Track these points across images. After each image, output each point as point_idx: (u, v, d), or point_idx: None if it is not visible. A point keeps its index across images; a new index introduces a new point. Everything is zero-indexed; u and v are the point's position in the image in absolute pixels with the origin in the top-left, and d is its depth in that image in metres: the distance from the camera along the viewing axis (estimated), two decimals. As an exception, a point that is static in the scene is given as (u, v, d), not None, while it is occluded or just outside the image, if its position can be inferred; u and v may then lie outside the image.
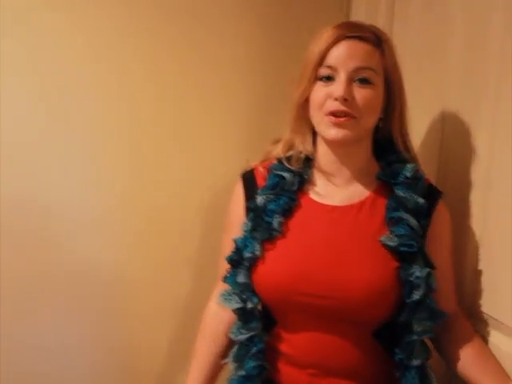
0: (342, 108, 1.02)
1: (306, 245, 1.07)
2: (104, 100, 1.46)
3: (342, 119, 1.03)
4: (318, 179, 1.14)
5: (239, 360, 1.10)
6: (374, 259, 1.03)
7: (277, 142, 1.19)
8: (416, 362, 1.03)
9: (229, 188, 1.23)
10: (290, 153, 1.15)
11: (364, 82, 1.03)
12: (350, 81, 1.03)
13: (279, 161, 1.15)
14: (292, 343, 1.10)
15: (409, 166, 1.09)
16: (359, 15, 1.60)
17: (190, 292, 1.60)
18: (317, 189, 1.13)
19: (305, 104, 1.10)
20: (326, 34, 1.05)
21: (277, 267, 1.07)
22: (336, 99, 1.02)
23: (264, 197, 1.10)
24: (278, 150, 1.17)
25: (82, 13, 1.40)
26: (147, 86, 1.48)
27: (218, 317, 1.21)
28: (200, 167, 1.56)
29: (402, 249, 1.03)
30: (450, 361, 1.10)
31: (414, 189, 1.07)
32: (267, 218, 1.09)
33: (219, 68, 1.53)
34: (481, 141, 1.15)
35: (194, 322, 1.26)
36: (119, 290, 1.53)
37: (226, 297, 1.12)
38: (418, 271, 1.02)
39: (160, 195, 1.54)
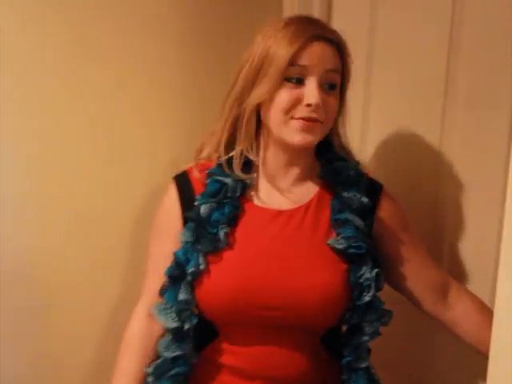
0: (314, 115, 0.99)
1: (253, 255, 1.02)
2: (37, 100, 1.35)
3: (311, 124, 0.99)
4: (261, 183, 1.09)
5: (157, 376, 1.04)
6: (323, 263, 1.01)
7: (211, 136, 1.11)
8: (364, 364, 1.03)
9: (159, 189, 1.16)
10: (231, 154, 1.07)
11: (332, 87, 1.02)
12: (320, 85, 0.99)
13: (219, 165, 1.07)
14: (238, 356, 1.05)
15: (350, 163, 1.08)
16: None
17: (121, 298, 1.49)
18: (260, 194, 1.08)
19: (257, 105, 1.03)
20: (295, 32, 0.98)
21: (224, 281, 1.00)
22: (309, 105, 0.98)
23: (208, 205, 1.02)
24: (211, 150, 1.09)
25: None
26: (75, 85, 1.39)
27: (148, 332, 1.11)
28: (131, 166, 1.49)
29: (351, 251, 1.01)
30: (467, 337, 1.09)
31: (357, 187, 1.06)
32: (211, 229, 1.01)
33: (148, 68, 1.47)
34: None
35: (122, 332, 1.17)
36: (42, 292, 1.40)
37: (162, 312, 1.04)
38: (367, 273, 1.01)
39: (92, 195, 1.45)
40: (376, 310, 1.03)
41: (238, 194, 1.04)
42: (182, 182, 1.08)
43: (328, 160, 1.09)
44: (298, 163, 1.07)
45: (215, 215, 1.01)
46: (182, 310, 1.02)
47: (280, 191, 1.07)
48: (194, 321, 1.03)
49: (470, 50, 1.20)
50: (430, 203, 1.30)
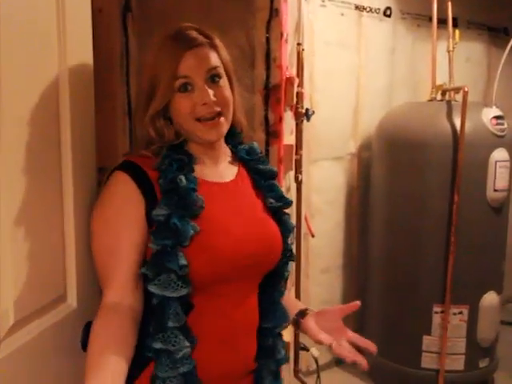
0: (216, 109, 1.11)
1: (230, 215, 1.13)
2: None
3: (216, 120, 1.12)
4: (197, 165, 1.17)
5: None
6: (269, 218, 1.20)
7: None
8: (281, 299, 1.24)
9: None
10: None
11: (215, 77, 1.12)
12: (207, 82, 1.11)
13: (170, 151, 1.13)
14: (212, 324, 1.10)
15: (254, 144, 1.28)
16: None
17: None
18: (200, 171, 1.16)
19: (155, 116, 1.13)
20: (170, 50, 1.11)
21: (223, 238, 1.09)
22: (205, 103, 1.10)
23: (175, 177, 1.08)
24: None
25: None
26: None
27: (125, 322, 1.02)
28: None
29: (284, 206, 1.24)
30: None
31: (265, 161, 1.27)
32: (189, 197, 1.08)
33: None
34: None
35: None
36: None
37: (165, 282, 1.03)
38: (291, 221, 1.26)
39: None
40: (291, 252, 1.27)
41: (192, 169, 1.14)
42: (132, 169, 1.10)
43: (235, 144, 1.26)
44: (216, 147, 1.20)
45: (187, 184, 1.08)
46: (182, 276, 1.03)
47: (212, 169, 1.19)
48: (189, 287, 1.05)
49: None
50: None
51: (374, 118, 2.92)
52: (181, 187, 1.07)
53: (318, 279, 2.93)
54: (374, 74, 2.96)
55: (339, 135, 2.88)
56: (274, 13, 1.68)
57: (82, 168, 1.15)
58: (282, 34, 1.70)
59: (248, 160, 1.25)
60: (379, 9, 2.92)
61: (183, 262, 1.03)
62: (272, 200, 1.22)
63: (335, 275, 3.02)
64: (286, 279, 1.28)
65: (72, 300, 1.12)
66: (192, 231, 1.05)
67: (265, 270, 1.18)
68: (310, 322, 1.20)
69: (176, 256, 1.03)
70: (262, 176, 1.24)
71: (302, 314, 1.23)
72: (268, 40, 1.71)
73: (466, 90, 2.46)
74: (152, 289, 1.03)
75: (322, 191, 2.86)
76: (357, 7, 2.80)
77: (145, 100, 1.13)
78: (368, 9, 2.85)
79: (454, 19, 2.92)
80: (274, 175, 1.26)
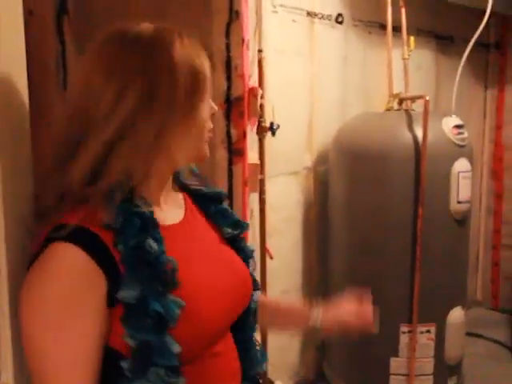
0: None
1: (198, 263, 0.93)
2: None
3: None
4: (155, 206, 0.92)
5: None
6: (232, 253, 1.05)
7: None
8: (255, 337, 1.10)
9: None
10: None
11: None
12: None
13: (124, 201, 0.84)
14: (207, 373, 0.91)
15: (192, 166, 1.08)
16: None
17: None
18: (160, 214, 0.90)
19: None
20: (199, 52, 0.92)
21: (206, 294, 0.89)
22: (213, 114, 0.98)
23: (138, 243, 0.82)
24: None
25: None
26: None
27: None
28: None
29: (242, 232, 1.09)
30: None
31: (206, 184, 1.10)
32: (159, 265, 0.81)
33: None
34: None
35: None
36: None
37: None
38: (250, 247, 1.12)
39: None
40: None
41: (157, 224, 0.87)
42: (84, 237, 0.80)
43: None
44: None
45: (158, 249, 0.82)
46: (175, 367, 0.81)
47: (167, 208, 0.97)
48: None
49: None
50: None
51: (329, 129, 2.78)
52: (151, 255, 0.80)
53: (278, 302, 2.75)
54: (328, 83, 2.83)
55: (294, 149, 2.72)
56: (234, 15, 1.49)
57: (13, 200, 0.88)
58: (243, 40, 1.51)
59: (189, 185, 1.07)
60: (331, 15, 2.79)
61: (177, 348, 0.79)
62: (229, 229, 1.07)
63: (295, 297, 2.85)
64: (255, 311, 1.11)
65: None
66: (177, 311, 0.80)
67: (241, 312, 1.03)
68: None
69: (165, 344, 0.79)
70: (208, 201, 1.08)
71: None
72: (228, 46, 1.51)
73: (428, 98, 2.36)
74: None
75: (278, 209, 2.68)
76: (309, 13, 2.66)
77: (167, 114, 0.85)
78: (320, 15, 2.72)
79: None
80: (222, 198, 1.10)
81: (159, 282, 0.80)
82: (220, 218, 1.07)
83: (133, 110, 0.83)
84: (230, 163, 1.57)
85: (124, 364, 0.79)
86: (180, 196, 1.04)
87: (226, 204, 1.11)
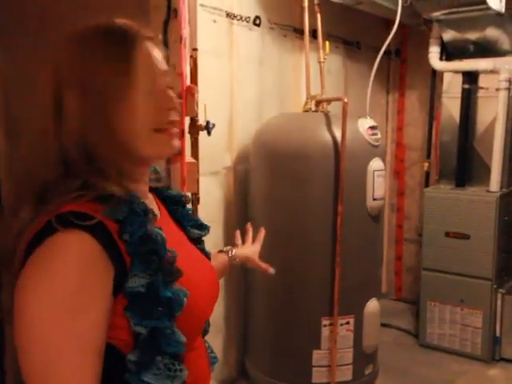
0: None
1: (183, 257, 0.90)
2: None
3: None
4: None
5: None
6: (200, 252, 1.07)
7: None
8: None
9: None
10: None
11: None
12: None
13: (130, 197, 0.85)
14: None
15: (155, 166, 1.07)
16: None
17: None
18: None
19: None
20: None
21: (199, 293, 0.92)
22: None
23: (144, 233, 0.82)
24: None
25: None
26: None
27: None
28: None
29: (205, 234, 1.12)
30: None
31: (167, 185, 1.11)
32: (163, 254, 0.83)
33: None
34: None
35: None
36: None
37: (170, 373, 0.81)
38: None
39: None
40: None
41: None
42: (92, 225, 0.78)
43: None
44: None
45: (159, 239, 0.84)
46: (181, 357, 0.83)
47: (147, 202, 0.95)
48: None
49: None
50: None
51: (248, 129, 2.82)
52: (159, 244, 0.81)
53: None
54: (246, 84, 2.87)
55: (216, 148, 2.73)
56: (172, 13, 1.48)
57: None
58: (181, 38, 1.50)
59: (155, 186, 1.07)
60: (249, 17, 2.83)
61: (182, 338, 0.80)
62: (195, 230, 1.10)
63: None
64: None
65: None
66: (185, 299, 0.82)
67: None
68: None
69: (174, 331, 0.79)
70: (172, 203, 1.09)
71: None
72: (166, 44, 1.50)
73: (346, 100, 2.47)
74: (151, 380, 0.78)
75: (201, 209, 2.67)
76: (228, 15, 2.68)
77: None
78: (238, 17, 2.75)
79: (315, 31, 2.95)
80: (182, 200, 1.12)
81: (166, 271, 0.82)
82: (186, 220, 1.09)
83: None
84: (168, 162, 1.55)
85: (131, 356, 0.78)
86: (151, 195, 1.04)
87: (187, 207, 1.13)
